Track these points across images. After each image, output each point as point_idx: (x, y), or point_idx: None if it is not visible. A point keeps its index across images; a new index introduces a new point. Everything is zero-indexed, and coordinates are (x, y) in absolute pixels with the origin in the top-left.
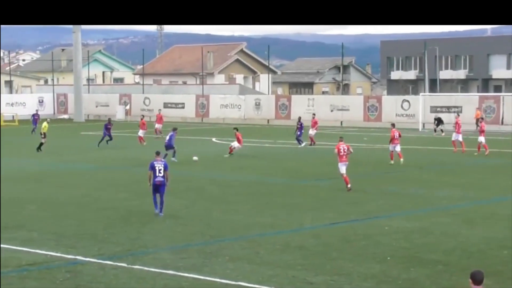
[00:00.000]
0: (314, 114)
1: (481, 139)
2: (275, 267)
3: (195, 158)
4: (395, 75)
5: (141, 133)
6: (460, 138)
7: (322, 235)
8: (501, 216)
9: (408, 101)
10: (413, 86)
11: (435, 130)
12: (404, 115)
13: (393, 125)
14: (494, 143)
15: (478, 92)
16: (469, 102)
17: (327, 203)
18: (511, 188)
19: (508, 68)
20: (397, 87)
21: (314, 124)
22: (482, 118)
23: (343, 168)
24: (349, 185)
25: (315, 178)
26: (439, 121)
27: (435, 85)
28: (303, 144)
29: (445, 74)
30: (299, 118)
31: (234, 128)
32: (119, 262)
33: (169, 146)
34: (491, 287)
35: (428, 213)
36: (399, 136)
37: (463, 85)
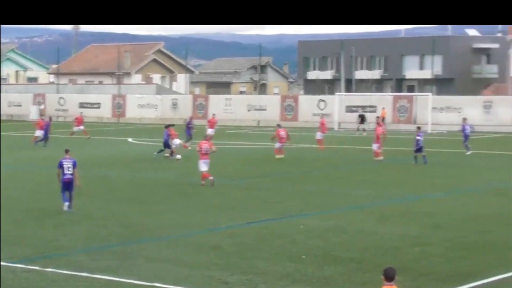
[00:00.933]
0: (214, 114)
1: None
2: (190, 268)
3: (178, 156)
4: (312, 75)
5: (37, 133)
6: (320, 136)
7: (237, 235)
8: (414, 214)
9: (324, 100)
10: (329, 86)
11: (357, 129)
12: (321, 115)
13: (278, 125)
14: (407, 142)
15: (392, 92)
16: (383, 101)
17: (243, 203)
18: (425, 186)
19: (421, 68)
20: (313, 87)
21: (212, 124)
22: (378, 123)
23: (203, 166)
24: (203, 182)
25: (232, 178)
26: (362, 119)
27: (351, 85)
28: (187, 144)
29: (360, 74)
30: (190, 117)
31: (171, 125)
32: (31, 265)
33: (166, 144)
34: (403, 283)
35: (343, 212)
36: (286, 135)
37: (378, 85)
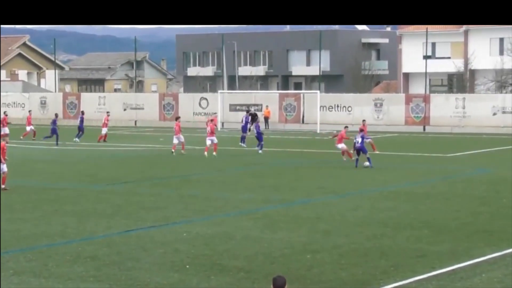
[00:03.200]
0: (108, 113)
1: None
2: (65, 280)
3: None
4: (192, 71)
5: None
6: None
7: (116, 244)
8: (304, 219)
9: (206, 98)
10: (211, 83)
11: (249, 129)
12: (202, 114)
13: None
14: (295, 143)
15: (278, 89)
16: (269, 99)
17: (122, 209)
18: (315, 190)
19: (308, 64)
20: (194, 84)
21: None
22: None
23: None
24: (3, 186)
25: (110, 183)
26: (253, 118)
27: (234, 82)
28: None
29: (244, 70)
30: (56, 114)
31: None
32: None
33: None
34: None
35: (230, 218)
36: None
37: (263, 82)
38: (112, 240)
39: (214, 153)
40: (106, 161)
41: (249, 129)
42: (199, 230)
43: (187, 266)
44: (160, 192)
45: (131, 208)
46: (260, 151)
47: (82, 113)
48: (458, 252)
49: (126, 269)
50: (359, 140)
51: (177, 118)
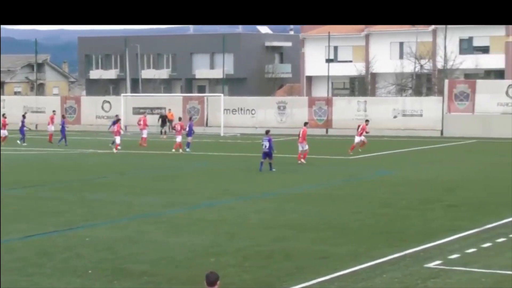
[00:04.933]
0: (55, 112)
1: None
2: None
3: None
4: (95, 74)
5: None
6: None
7: (16, 249)
8: (208, 222)
9: (109, 102)
10: (114, 86)
11: (161, 132)
12: (105, 117)
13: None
14: (200, 146)
15: (181, 92)
16: (173, 102)
17: (21, 214)
18: (219, 192)
19: (211, 67)
20: (97, 87)
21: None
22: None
23: None
24: None
25: (9, 187)
26: (163, 121)
27: (137, 85)
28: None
29: (147, 73)
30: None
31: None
32: None
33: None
34: None
35: (133, 221)
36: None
37: (166, 85)
38: (12, 245)
39: (188, 149)
40: (6, 165)
41: (165, 132)
42: (102, 235)
43: (90, 271)
44: (62, 197)
45: (32, 213)
46: (188, 149)
47: (63, 117)
48: (359, 253)
49: (27, 275)
50: (267, 144)
51: (118, 120)
